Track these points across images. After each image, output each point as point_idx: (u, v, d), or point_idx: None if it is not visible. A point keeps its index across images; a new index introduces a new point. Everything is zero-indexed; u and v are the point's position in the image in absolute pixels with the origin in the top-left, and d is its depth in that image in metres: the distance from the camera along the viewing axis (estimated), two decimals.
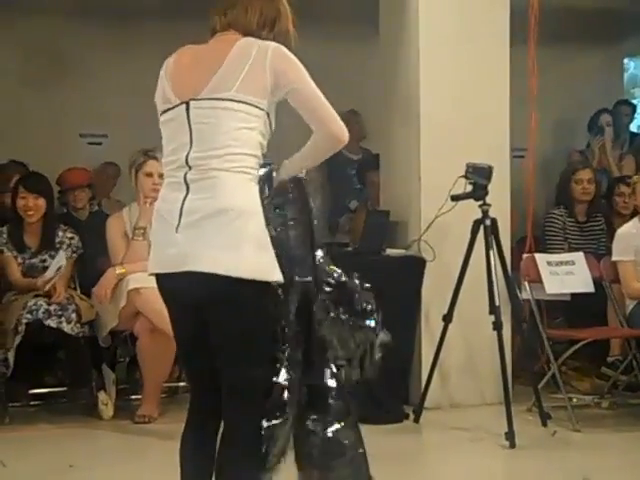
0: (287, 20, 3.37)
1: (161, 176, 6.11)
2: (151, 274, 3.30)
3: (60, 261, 6.34)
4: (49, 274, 6.29)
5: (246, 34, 3.28)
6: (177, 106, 3.23)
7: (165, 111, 3.28)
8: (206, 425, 3.32)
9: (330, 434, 3.37)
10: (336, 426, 3.38)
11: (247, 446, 3.21)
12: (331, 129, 3.21)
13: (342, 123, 3.23)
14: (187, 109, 3.21)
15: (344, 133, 3.23)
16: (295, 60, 3.23)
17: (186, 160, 3.18)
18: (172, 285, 3.22)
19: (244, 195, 3.14)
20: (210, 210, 3.11)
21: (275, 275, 3.16)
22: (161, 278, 3.27)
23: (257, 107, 3.18)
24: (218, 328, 3.17)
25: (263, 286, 3.14)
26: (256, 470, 3.21)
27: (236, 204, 3.11)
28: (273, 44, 3.23)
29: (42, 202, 6.49)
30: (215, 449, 3.28)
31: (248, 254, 3.09)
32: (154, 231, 3.30)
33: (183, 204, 3.15)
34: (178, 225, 3.14)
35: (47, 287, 6.20)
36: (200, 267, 3.10)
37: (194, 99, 3.20)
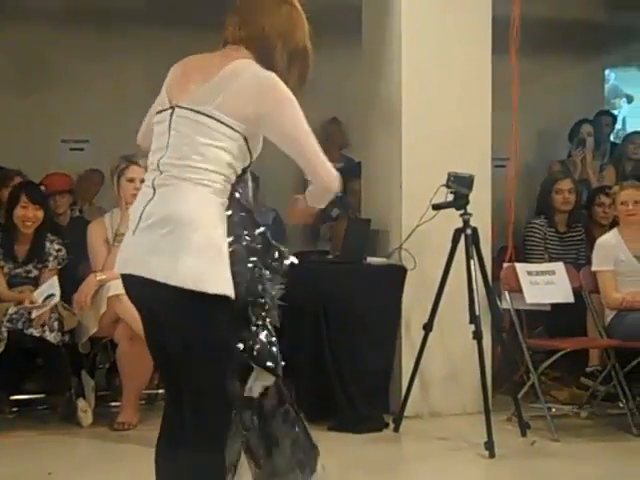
0: (305, 38, 3.34)
1: (143, 181, 6.16)
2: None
3: (52, 290, 6.23)
4: (38, 297, 6.18)
5: (258, 51, 3.26)
6: (165, 110, 3.25)
7: (158, 112, 3.30)
8: (179, 433, 3.28)
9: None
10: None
11: (203, 457, 3.20)
12: (324, 182, 3.24)
13: (333, 171, 3.23)
14: (171, 114, 3.22)
15: (336, 183, 3.25)
16: (281, 95, 3.17)
17: (158, 164, 3.20)
18: (125, 285, 3.27)
19: (196, 205, 3.12)
20: (160, 216, 3.12)
21: (217, 287, 3.09)
22: (122, 277, 3.29)
23: (232, 128, 3.15)
24: (166, 335, 3.17)
25: (203, 297, 3.07)
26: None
27: (184, 213, 3.09)
28: (264, 74, 3.18)
29: (41, 214, 6.45)
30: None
31: (187, 263, 3.05)
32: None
33: (145, 207, 3.17)
34: (135, 228, 3.18)
35: (34, 315, 6.10)
36: (140, 271, 3.11)
37: (178, 106, 3.21)
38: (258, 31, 3.28)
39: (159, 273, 3.07)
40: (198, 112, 3.16)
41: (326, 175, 3.24)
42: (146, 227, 3.14)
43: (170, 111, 3.22)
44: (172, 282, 3.05)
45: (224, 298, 3.11)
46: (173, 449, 3.27)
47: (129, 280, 3.19)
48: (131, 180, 6.23)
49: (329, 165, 3.24)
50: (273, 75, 3.19)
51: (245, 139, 3.19)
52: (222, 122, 3.15)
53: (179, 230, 3.08)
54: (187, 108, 3.18)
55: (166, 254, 3.07)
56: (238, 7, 3.38)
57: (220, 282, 3.11)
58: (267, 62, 3.26)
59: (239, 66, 3.20)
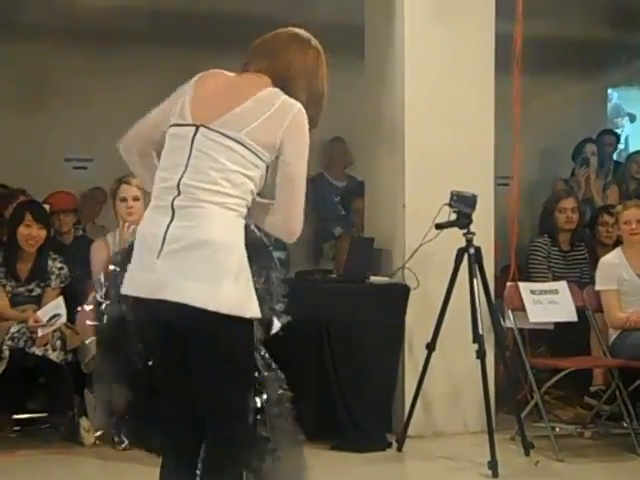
0: (324, 84, 3.39)
1: (135, 199, 6.19)
2: (124, 294, 3.26)
3: (57, 310, 6.22)
4: (43, 316, 6.17)
5: (281, 86, 3.27)
6: (187, 126, 3.22)
7: (175, 125, 3.25)
8: (184, 456, 3.29)
9: None
10: None
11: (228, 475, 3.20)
12: (290, 226, 3.26)
13: (301, 221, 3.26)
14: (195, 133, 3.19)
15: (298, 231, 3.27)
16: (305, 137, 3.22)
17: (178, 184, 3.16)
18: (147, 310, 3.20)
19: (228, 229, 3.13)
20: (193, 240, 3.09)
21: (252, 311, 3.15)
22: (136, 302, 3.24)
23: (260, 158, 3.18)
24: (197, 359, 3.15)
25: (240, 321, 3.11)
26: None
27: (219, 237, 3.10)
28: (297, 107, 3.22)
29: (44, 233, 6.45)
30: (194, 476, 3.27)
31: (226, 288, 3.08)
32: (135, 253, 3.25)
33: (167, 230, 3.13)
34: (160, 251, 3.12)
35: (40, 334, 6.10)
36: (177, 297, 3.08)
37: (204, 126, 3.19)
38: (284, 67, 3.31)
39: (199, 299, 3.06)
40: (229, 137, 3.15)
41: (296, 226, 3.27)
42: (175, 251, 3.10)
43: (193, 129, 3.20)
44: (211, 307, 3.06)
45: (252, 322, 3.16)
46: (180, 472, 3.27)
47: (157, 306, 3.12)
48: (123, 199, 6.30)
49: (302, 218, 3.27)
50: (298, 105, 3.22)
51: (267, 168, 3.23)
52: (252, 150, 3.16)
53: (217, 255, 3.08)
54: (217, 131, 3.16)
55: (205, 280, 3.07)
56: (263, 43, 3.40)
57: (254, 306, 3.15)
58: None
59: (272, 94, 3.22)
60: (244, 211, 3.19)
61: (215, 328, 3.09)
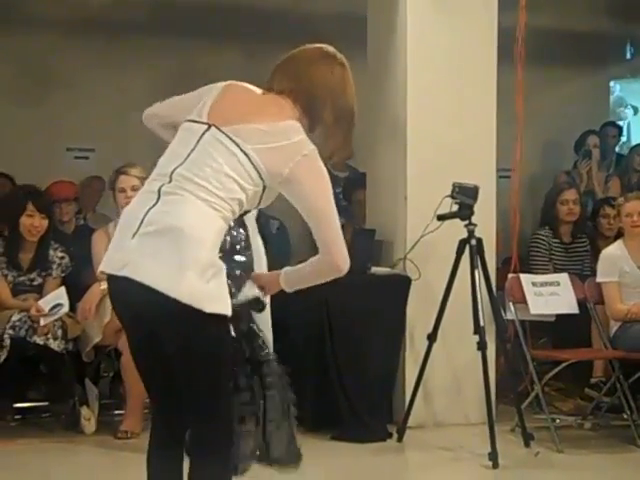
0: (353, 101, 3.36)
1: (133, 189, 6.20)
2: (101, 272, 3.27)
3: (59, 300, 6.22)
4: (44, 305, 6.18)
5: (307, 106, 3.27)
6: (201, 123, 3.22)
7: (190, 120, 3.26)
8: (170, 439, 3.30)
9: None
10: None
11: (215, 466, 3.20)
12: (334, 259, 3.23)
13: (346, 252, 3.24)
14: (205, 131, 3.20)
15: (346, 265, 3.24)
16: (321, 171, 3.20)
17: (171, 173, 3.16)
18: (113, 287, 3.22)
19: (203, 223, 3.11)
20: (165, 225, 3.09)
21: (215, 307, 3.09)
22: (108, 278, 3.26)
23: (260, 175, 3.16)
24: (161, 343, 3.15)
25: (201, 314, 3.06)
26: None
27: (191, 228, 3.08)
28: (312, 147, 3.19)
29: (46, 223, 6.45)
30: (181, 463, 3.28)
31: (189, 279, 3.04)
32: (116, 232, 3.26)
33: (147, 213, 3.14)
34: (136, 232, 3.13)
35: (42, 323, 6.11)
36: (138, 276, 3.07)
37: (217, 127, 3.19)
38: (309, 86, 3.29)
39: (161, 283, 3.04)
40: (236, 144, 3.15)
41: (341, 258, 3.24)
42: (148, 233, 3.10)
43: (205, 127, 3.20)
44: (172, 294, 3.03)
45: (219, 316, 3.10)
46: (167, 460, 3.29)
47: (121, 283, 3.12)
48: (122, 190, 6.30)
49: (345, 248, 3.25)
50: (316, 150, 3.21)
51: (264, 189, 3.21)
52: (254, 165, 3.15)
53: (186, 244, 3.06)
54: (227, 135, 3.16)
55: (170, 265, 3.05)
56: (289, 60, 3.37)
57: (217, 301, 3.10)
58: (314, 117, 3.29)
59: (292, 128, 3.20)
60: (228, 215, 3.17)
61: (173, 315, 3.07)
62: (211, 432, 3.18)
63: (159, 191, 3.16)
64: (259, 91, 3.33)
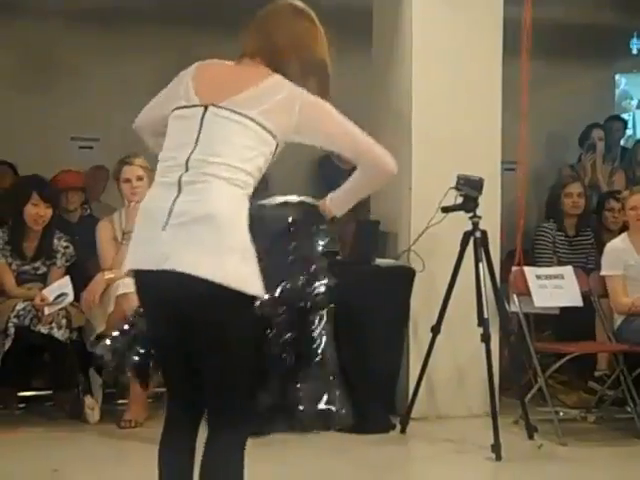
0: (322, 52, 3.35)
1: (139, 178, 6.20)
2: (129, 271, 3.24)
3: (64, 289, 6.23)
4: (49, 295, 6.19)
5: (272, 64, 3.27)
6: (195, 106, 3.21)
7: (180, 107, 3.25)
8: (184, 430, 3.30)
9: None
10: None
11: (232, 456, 3.20)
12: (382, 161, 3.30)
13: (388, 157, 3.30)
14: (204, 112, 3.19)
15: (394, 163, 3.31)
16: (320, 103, 3.23)
17: (186, 161, 3.15)
18: (150, 282, 3.18)
19: (233, 206, 3.12)
20: (198, 214, 3.08)
21: (255, 288, 3.11)
22: (139, 275, 3.22)
23: (271, 135, 3.17)
24: (198, 332, 3.14)
25: (243, 297, 3.10)
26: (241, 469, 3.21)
27: (224, 212, 3.09)
28: (301, 91, 3.22)
29: (50, 212, 6.45)
30: (193, 454, 3.27)
31: (231, 262, 3.06)
32: (137, 228, 3.24)
33: (173, 205, 3.11)
34: (166, 224, 3.10)
35: (47, 312, 6.12)
36: (182, 267, 3.06)
37: (214, 105, 3.18)
38: (273, 42, 3.30)
39: (206, 270, 3.04)
40: (242, 114, 3.15)
41: (387, 156, 3.30)
42: (182, 224, 3.08)
43: (202, 109, 3.19)
44: (218, 280, 3.04)
45: (254, 298, 3.13)
46: (180, 445, 3.29)
47: (163, 276, 3.09)
48: (127, 180, 6.31)
49: (386, 153, 3.30)
50: (301, 89, 3.23)
51: (276, 147, 3.22)
52: (264, 128, 3.16)
53: (222, 230, 3.07)
54: (229, 109, 3.16)
55: (211, 252, 3.05)
56: (255, 20, 3.39)
57: (258, 284, 3.12)
58: (279, 72, 3.28)
59: (277, 82, 3.22)
60: (250, 191, 3.18)
61: (218, 300, 3.08)
62: (234, 408, 3.19)
63: (179, 181, 3.14)
64: (230, 63, 3.34)
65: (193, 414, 3.29)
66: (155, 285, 3.15)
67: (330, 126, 3.25)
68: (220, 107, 3.18)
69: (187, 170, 3.14)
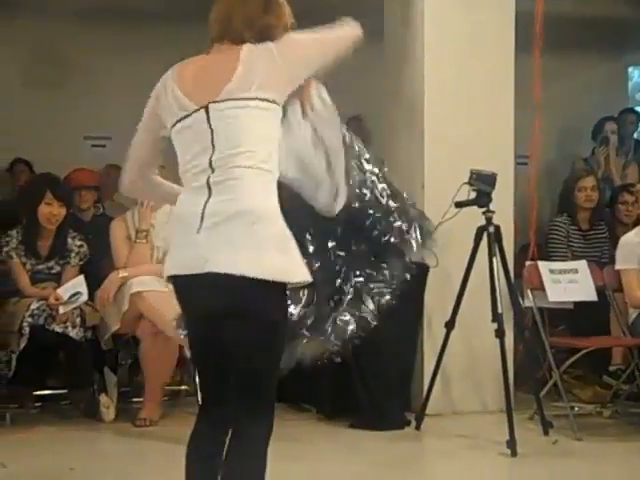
0: (277, 20, 3.32)
1: None
2: (169, 276, 3.26)
3: (78, 288, 6.24)
4: (63, 294, 6.20)
5: (240, 40, 3.26)
6: (195, 112, 3.20)
7: (180, 120, 3.23)
8: (214, 433, 3.29)
9: None
10: None
11: (257, 452, 3.20)
12: (348, 32, 3.43)
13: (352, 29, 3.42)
14: (207, 113, 3.18)
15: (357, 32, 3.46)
16: (288, 38, 3.26)
17: (210, 163, 3.16)
18: (191, 286, 3.19)
19: (265, 198, 3.14)
20: (231, 212, 3.09)
21: (298, 276, 3.15)
22: (179, 280, 3.24)
23: (275, 104, 3.19)
24: (236, 329, 3.15)
25: (283, 288, 3.14)
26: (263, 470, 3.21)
27: (256, 207, 3.10)
28: (269, 44, 3.22)
29: (64, 211, 6.46)
30: (221, 458, 3.26)
31: (268, 256, 3.08)
32: (172, 234, 3.27)
33: (205, 207, 3.13)
34: (200, 227, 3.12)
35: (61, 311, 6.13)
36: (221, 268, 3.08)
37: (213, 102, 3.18)
38: (231, 27, 3.29)
39: (247, 268, 3.06)
40: (242, 99, 3.15)
41: (352, 31, 3.45)
42: (216, 224, 3.10)
43: (203, 111, 3.18)
44: (261, 276, 3.06)
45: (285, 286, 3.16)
46: (209, 449, 3.27)
47: (204, 279, 3.12)
48: None
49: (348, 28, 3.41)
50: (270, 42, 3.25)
51: (284, 112, 3.24)
52: (268, 100, 3.17)
53: (257, 224, 3.09)
54: (227, 99, 3.16)
55: (250, 249, 3.07)
56: (215, 3, 3.40)
57: (299, 271, 3.15)
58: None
59: (252, 49, 3.22)
60: (276, 174, 3.20)
61: (262, 294, 3.10)
62: (266, 401, 3.22)
63: (208, 184, 3.15)
64: (202, 55, 3.34)
65: (226, 415, 3.27)
66: (197, 288, 3.17)
67: (303, 51, 3.26)
68: (219, 102, 3.17)
69: (213, 171, 3.15)
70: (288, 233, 3.15)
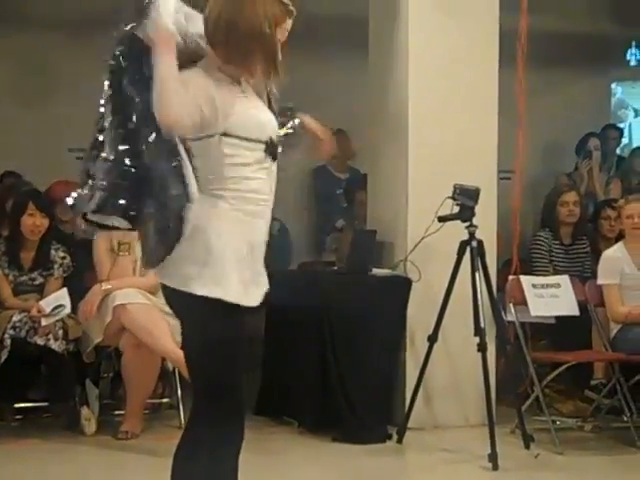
0: (259, 24, 3.21)
1: None
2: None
3: (61, 301, 6.22)
4: (46, 306, 6.18)
5: (217, 48, 3.27)
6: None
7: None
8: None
9: None
10: None
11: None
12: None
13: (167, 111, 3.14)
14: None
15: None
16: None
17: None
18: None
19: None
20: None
21: (204, 290, 3.16)
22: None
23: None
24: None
25: (194, 299, 3.18)
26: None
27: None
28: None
29: (47, 222, 6.46)
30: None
31: (178, 265, 3.19)
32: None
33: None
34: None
35: (44, 324, 6.11)
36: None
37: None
38: (210, 36, 3.28)
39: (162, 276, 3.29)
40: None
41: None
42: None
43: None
44: (169, 283, 3.25)
45: (214, 301, 3.16)
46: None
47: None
48: None
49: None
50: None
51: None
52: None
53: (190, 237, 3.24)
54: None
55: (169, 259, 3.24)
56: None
57: (206, 286, 3.18)
58: (224, 56, 3.26)
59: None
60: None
61: (174, 304, 3.31)
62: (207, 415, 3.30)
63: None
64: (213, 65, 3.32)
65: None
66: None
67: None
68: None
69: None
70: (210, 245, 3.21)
